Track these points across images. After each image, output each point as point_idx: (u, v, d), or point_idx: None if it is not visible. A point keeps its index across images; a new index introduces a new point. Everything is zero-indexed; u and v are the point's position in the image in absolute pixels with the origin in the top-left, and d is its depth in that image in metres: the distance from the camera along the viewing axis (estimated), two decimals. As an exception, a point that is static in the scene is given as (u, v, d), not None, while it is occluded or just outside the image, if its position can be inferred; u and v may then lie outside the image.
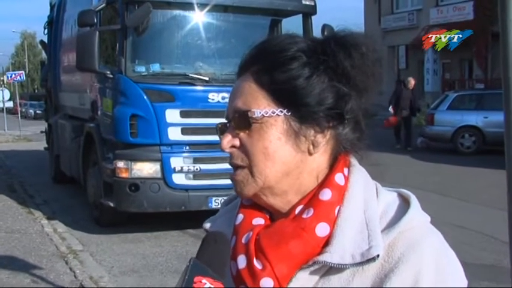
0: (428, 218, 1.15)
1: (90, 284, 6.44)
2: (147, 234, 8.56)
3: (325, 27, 8.81)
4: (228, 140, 1.15)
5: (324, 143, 1.13)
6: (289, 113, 1.12)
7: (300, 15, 9.14)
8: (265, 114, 1.12)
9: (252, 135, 1.13)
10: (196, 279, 0.97)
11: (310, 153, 1.13)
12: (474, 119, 17.34)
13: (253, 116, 1.12)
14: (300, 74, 1.11)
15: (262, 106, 1.12)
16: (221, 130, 1.19)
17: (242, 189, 1.16)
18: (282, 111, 1.12)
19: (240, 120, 1.13)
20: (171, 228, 8.72)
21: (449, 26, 28.08)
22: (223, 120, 1.19)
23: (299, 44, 1.14)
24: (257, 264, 1.10)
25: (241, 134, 1.14)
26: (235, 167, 1.16)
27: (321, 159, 1.15)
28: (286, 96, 1.12)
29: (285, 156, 1.12)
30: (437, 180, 12.54)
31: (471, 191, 11.32)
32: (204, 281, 0.97)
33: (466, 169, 14.30)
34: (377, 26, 36.47)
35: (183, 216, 8.52)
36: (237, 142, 1.15)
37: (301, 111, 1.11)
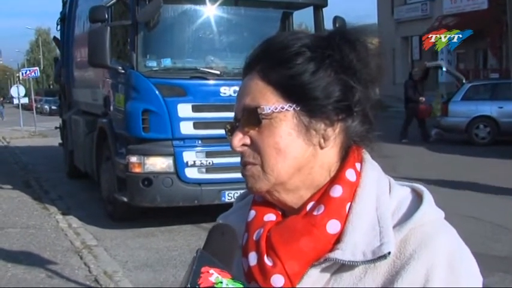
0: (442, 214, 1.14)
1: (105, 279, 6.48)
2: (160, 228, 8.60)
3: (336, 19, 8.79)
4: (239, 139, 1.15)
5: (334, 136, 1.13)
6: (298, 108, 1.11)
7: (311, 8, 9.12)
8: (274, 110, 1.11)
9: (262, 132, 1.12)
10: (203, 269, 0.97)
11: (321, 147, 1.13)
12: (489, 109, 17.19)
13: (263, 112, 1.12)
14: (306, 68, 1.11)
15: (271, 102, 1.12)
16: (230, 130, 1.19)
17: (253, 185, 1.15)
18: (291, 106, 1.12)
19: (250, 118, 1.13)
20: (184, 223, 8.75)
21: (463, 16, 28.04)
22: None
23: (302, 39, 1.14)
24: (268, 262, 1.09)
25: (251, 132, 1.14)
26: (246, 164, 1.16)
27: (331, 152, 1.15)
28: (294, 92, 1.12)
29: (297, 151, 1.12)
30: (451, 171, 12.46)
31: (486, 181, 11.24)
32: (211, 271, 0.97)
33: (480, 160, 14.21)
34: (390, 16, 36.32)
35: (196, 210, 8.54)
36: (247, 140, 1.15)
37: (310, 105, 1.11)
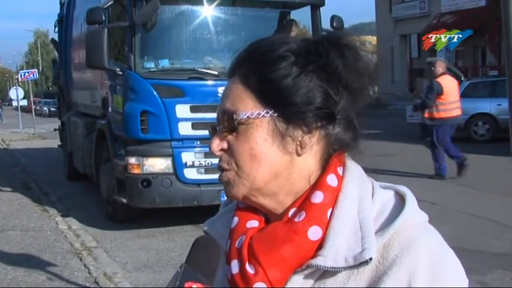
0: (426, 217, 1.13)
1: (105, 281, 6.48)
2: (160, 229, 8.60)
3: (334, 18, 8.80)
4: (216, 144, 1.15)
5: (311, 143, 1.11)
6: (276, 114, 1.10)
7: (308, 7, 9.13)
8: (250, 116, 1.10)
9: (238, 137, 1.12)
10: (186, 284, 0.98)
11: (298, 154, 1.11)
12: (487, 106, 17.21)
13: (239, 118, 1.11)
14: (288, 73, 1.09)
15: (248, 107, 1.11)
16: (212, 133, 1.18)
17: (230, 191, 1.15)
18: (268, 112, 1.10)
19: (228, 122, 1.13)
20: (184, 223, 8.74)
21: (461, 14, 27.87)
22: None
23: (289, 44, 1.13)
24: (250, 269, 1.09)
25: (229, 137, 1.13)
26: (223, 170, 1.16)
27: (311, 160, 1.13)
28: (273, 97, 1.10)
29: (272, 157, 1.11)
30: (450, 168, 12.46)
31: (485, 179, 11.25)
32: (194, 286, 0.98)
33: (479, 157, 14.18)
34: (388, 14, 36.34)
35: (196, 211, 8.54)
36: (225, 145, 1.14)
37: (287, 111, 1.10)
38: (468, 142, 16.79)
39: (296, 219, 1.09)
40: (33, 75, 30.57)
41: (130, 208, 8.51)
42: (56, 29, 14.29)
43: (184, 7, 8.59)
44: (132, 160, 8.11)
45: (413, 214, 1.10)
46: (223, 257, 1.14)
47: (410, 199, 1.12)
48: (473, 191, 10.36)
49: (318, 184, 1.12)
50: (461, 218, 8.35)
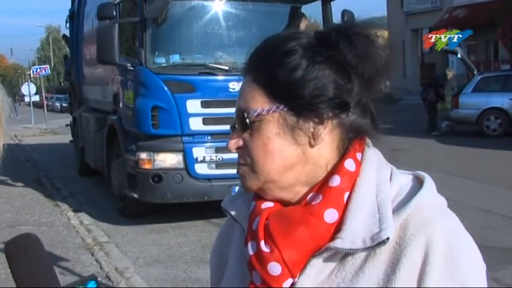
0: (444, 201, 1.14)
1: (116, 275, 6.50)
2: (171, 224, 8.62)
3: (345, 12, 8.76)
4: (233, 142, 1.17)
5: (324, 134, 1.12)
6: (286, 108, 1.11)
7: (320, 1, 9.09)
8: (260, 112, 1.12)
9: (252, 134, 1.14)
10: None
11: (311, 146, 1.12)
12: (500, 100, 17.08)
13: (250, 116, 1.13)
14: (295, 67, 1.10)
15: (259, 104, 1.13)
16: (232, 130, 1.21)
17: (245, 183, 1.17)
18: (278, 107, 1.12)
19: (241, 121, 1.15)
20: (195, 218, 8.76)
21: (474, 7, 27.67)
22: None
23: (300, 39, 1.14)
24: (265, 248, 1.10)
25: (245, 134, 1.15)
26: (240, 164, 1.18)
27: (325, 150, 1.14)
28: (282, 91, 1.11)
29: (285, 150, 1.12)
30: (462, 163, 12.41)
31: (497, 174, 11.19)
32: None
33: (491, 152, 14.13)
34: (399, 9, 36.16)
35: (207, 206, 8.55)
36: (241, 142, 1.16)
37: (297, 104, 1.11)
38: (480, 137, 16.73)
39: (313, 202, 1.11)
40: (45, 71, 30.65)
41: (141, 203, 8.52)
42: (68, 25, 14.34)
43: (195, 2, 8.60)
44: (143, 155, 8.12)
45: (431, 196, 1.11)
46: (241, 238, 1.18)
47: (428, 182, 1.13)
48: (485, 186, 10.29)
49: (335, 169, 1.13)
50: (473, 213, 8.30)
